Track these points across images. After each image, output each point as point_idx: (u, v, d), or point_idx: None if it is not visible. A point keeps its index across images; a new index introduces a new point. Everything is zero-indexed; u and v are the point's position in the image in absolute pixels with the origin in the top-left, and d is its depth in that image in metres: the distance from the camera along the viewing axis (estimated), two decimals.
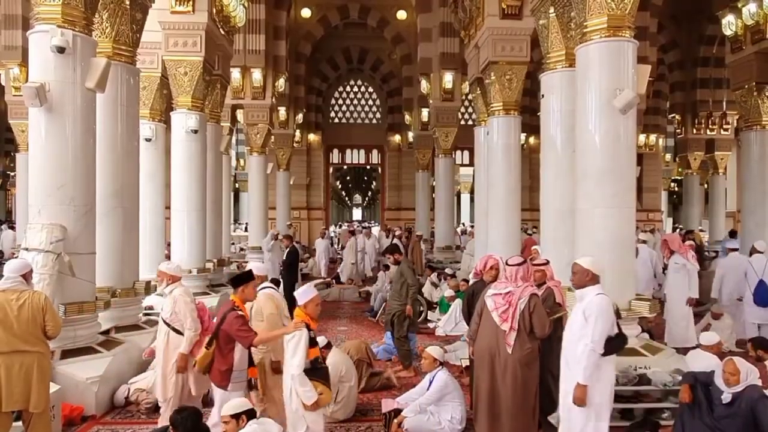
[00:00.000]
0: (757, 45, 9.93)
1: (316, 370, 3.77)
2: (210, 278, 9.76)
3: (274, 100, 15.17)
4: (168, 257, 9.61)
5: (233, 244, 17.37)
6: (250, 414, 3.29)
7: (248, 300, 4.23)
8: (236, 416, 3.25)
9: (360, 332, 8.99)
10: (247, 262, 14.16)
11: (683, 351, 6.29)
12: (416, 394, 4.94)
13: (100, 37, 6.48)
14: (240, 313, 3.98)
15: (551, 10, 6.93)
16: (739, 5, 10.06)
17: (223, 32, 9.79)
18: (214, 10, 9.15)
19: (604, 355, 3.75)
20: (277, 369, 4.54)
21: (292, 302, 10.20)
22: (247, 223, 18.65)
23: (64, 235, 5.30)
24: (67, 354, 5.34)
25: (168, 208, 9.34)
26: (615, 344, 3.79)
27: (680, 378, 4.86)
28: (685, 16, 17.77)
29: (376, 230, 20.48)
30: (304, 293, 3.94)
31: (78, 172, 5.50)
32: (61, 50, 5.28)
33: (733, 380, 4.41)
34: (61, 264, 5.22)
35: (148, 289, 7.15)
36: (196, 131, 9.00)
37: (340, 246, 19.16)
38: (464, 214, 28.36)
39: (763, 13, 9.60)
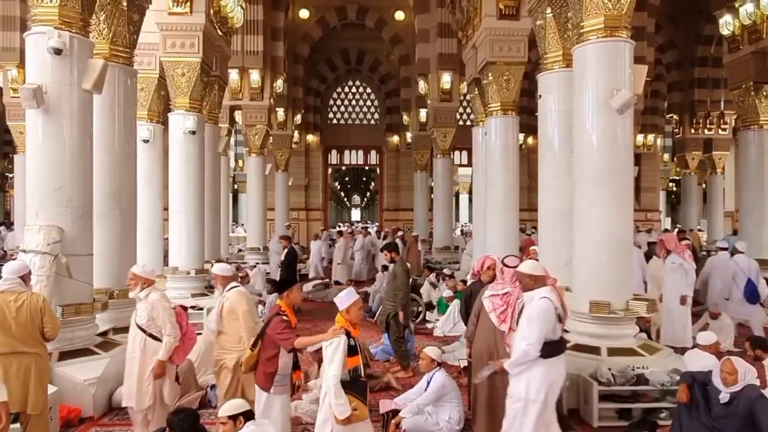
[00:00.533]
0: (755, 45, 9.97)
1: (353, 383, 3.61)
2: (208, 279, 9.75)
3: (272, 101, 15.19)
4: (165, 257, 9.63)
5: (231, 245, 17.38)
6: (248, 415, 3.29)
7: (294, 304, 4.13)
8: (234, 417, 3.24)
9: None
10: (245, 263, 14.17)
11: (681, 351, 6.29)
12: (414, 394, 4.94)
13: (97, 38, 6.48)
14: (284, 317, 3.90)
15: (548, 10, 6.95)
16: (737, 5, 10.10)
17: (220, 33, 9.79)
18: (212, 11, 9.15)
19: (543, 357, 3.77)
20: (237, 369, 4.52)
21: None
22: (242, 224, 18.62)
23: (62, 236, 5.29)
24: (65, 355, 5.33)
25: (166, 209, 9.34)
26: (552, 348, 3.78)
27: (678, 378, 4.87)
28: (683, 16, 17.81)
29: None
30: (346, 297, 3.79)
31: (75, 174, 5.49)
32: (58, 52, 5.27)
33: (730, 380, 4.42)
34: (58, 266, 5.21)
35: None
36: (193, 132, 9.00)
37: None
38: (463, 214, 28.40)
39: (760, 12, 9.65)
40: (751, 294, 8.40)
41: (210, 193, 10.42)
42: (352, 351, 3.61)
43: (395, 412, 4.81)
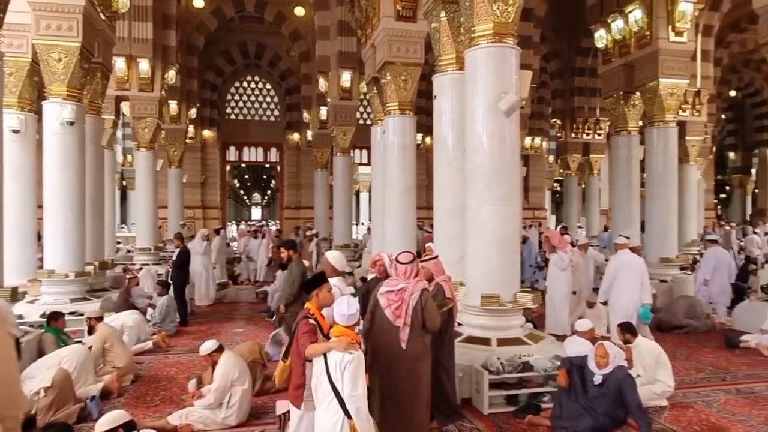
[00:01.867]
0: (624, 57, 10.94)
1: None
2: (90, 282, 9.05)
3: (163, 92, 14.34)
4: (41, 259, 8.80)
5: (120, 245, 16.27)
6: (128, 426, 3.07)
7: (324, 305, 3.72)
8: (112, 431, 3.00)
9: (257, 333, 8.76)
10: (134, 264, 13.30)
11: (562, 338, 6.78)
12: None
13: None
14: (311, 321, 3.53)
15: (442, 14, 7.17)
16: (609, 20, 11.04)
17: (104, 17, 9.10)
18: None
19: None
20: None
21: (182, 305, 9.75)
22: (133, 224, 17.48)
23: None
24: None
25: (41, 206, 8.52)
26: None
27: (558, 363, 5.24)
28: (565, 29, 19.18)
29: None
30: (355, 314, 3.40)
31: None
32: None
33: (603, 362, 4.84)
34: None
35: (15, 295, 6.47)
36: (72, 123, 8.28)
37: (236, 246, 18.59)
38: (363, 213, 28.62)
39: (629, 29, 10.62)
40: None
41: (92, 190, 9.65)
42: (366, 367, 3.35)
43: None
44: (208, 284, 11.72)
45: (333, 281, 4.08)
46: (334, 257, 4.22)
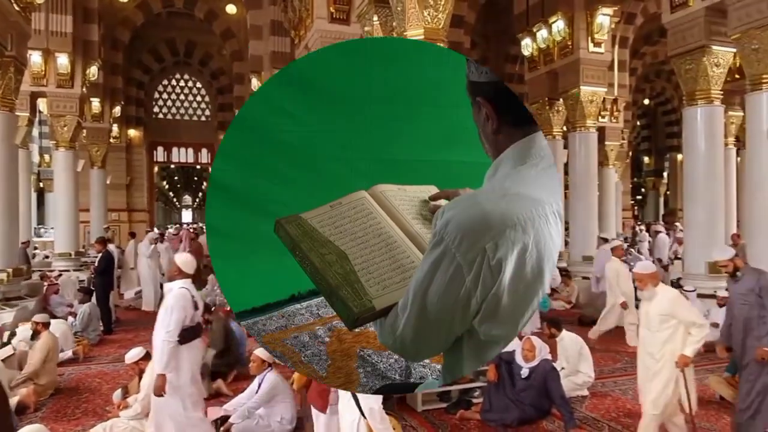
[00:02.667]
0: (548, 65, 11.49)
1: (384, 401, 3.24)
2: (3, 291, 8.47)
3: (84, 89, 13.62)
4: None
5: (37, 250, 15.31)
6: None
7: None
8: None
9: None
10: (53, 270, 12.55)
11: None
12: (245, 398, 4.82)
13: None
14: None
15: (375, 17, 7.27)
16: (534, 30, 11.54)
17: (18, 8, 8.55)
18: None
19: (181, 342, 3.95)
20: None
21: (106, 312, 9.30)
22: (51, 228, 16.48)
23: None
24: None
25: None
26: (188, 333, 4.01)
27: None
28: (494, 36, 19.86)
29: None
30: None
31: None
32: None
33: (530, 356, 5.07)
34: None
35: None
36: None
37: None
38: None
39: (552, 38, 11.15)
40: None
41: (5, 191, 9.02)
42: None
43: (225, 419, 4.65)
44: (157, 288, 11.17)
45: (180, 283, 4.07)
46: (182, 260, 4.21)
